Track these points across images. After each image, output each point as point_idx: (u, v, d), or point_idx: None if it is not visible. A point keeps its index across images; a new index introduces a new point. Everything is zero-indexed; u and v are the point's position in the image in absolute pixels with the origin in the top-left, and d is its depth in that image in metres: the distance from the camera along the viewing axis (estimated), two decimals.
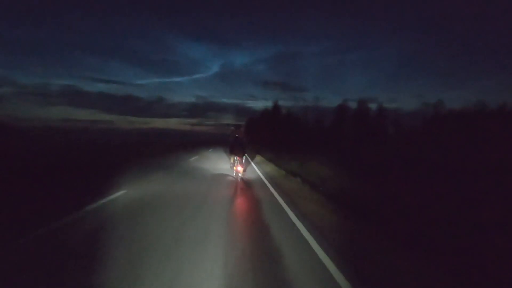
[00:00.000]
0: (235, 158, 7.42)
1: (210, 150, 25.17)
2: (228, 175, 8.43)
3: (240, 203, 5.08)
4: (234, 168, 7.51)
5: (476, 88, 68.24)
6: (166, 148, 25.94)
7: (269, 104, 51.80)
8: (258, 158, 16.23)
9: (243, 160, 7.58)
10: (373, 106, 40.95)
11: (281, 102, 48.49)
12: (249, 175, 8.57)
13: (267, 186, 6.84)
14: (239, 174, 7.46)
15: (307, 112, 46.08)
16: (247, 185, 6.92)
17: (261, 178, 8.06)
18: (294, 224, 3.75)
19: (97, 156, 14.92)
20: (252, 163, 12.48)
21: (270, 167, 11.12)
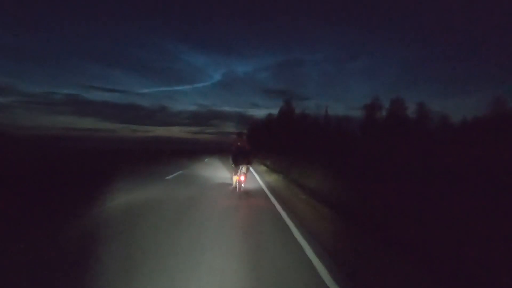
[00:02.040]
0: (239, 167, 7.00)
1: (207, 159, 24.38)
2: (229, 184, 7.96)
3: (241, 217, 4.63)
4: (237, 178, 7.06)
5: (479, 96, 67.19)
6: (168, 156, 25.79)
7: (273, 111, 49.39)
8: (261, 167, 15.75)
9: (247, 170, 7.16)
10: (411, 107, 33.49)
11: (284, 109, 42.50)
12: (252, 186, 8.11)
13: (271, 201, 6.35)
14: (242, 185, 7.03)
15: (326, 114, 38.56)
16: (250, 196, 6.47)
17: (266, 192, 7.56)
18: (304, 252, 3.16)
19: (98, 164, 14.91)
20: (255, 173, 11.99)
21: (274, 178, 10.61)
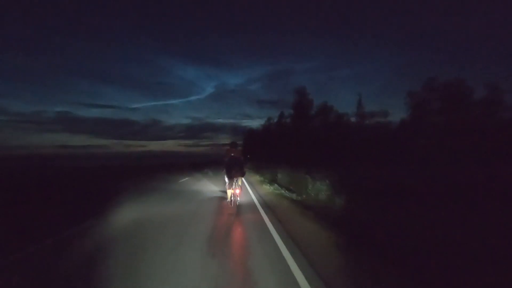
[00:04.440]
0: (233, 180, 6.52)
1: (204, 171, 22.50)
2: (222, 198, 7.50)
3: (237, 235, 4.14)
4: (232, 191, 6.58)
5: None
6: (160, 170, 25.04)
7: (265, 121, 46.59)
8: (257, 178, 15.22)
9: (241, 182, 6.70)
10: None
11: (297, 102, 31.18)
12: (250, 200, 7.62)
13: (265, 221, 5.87)
14: (237, 198, 6.54)
15: (360, 106, 27.46)
16: (249, 211, 5.99)
17: (260, 208, 7.08)
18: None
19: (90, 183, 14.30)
20: (248, 187, 11.48)
21: (271, 192, 10.13)
